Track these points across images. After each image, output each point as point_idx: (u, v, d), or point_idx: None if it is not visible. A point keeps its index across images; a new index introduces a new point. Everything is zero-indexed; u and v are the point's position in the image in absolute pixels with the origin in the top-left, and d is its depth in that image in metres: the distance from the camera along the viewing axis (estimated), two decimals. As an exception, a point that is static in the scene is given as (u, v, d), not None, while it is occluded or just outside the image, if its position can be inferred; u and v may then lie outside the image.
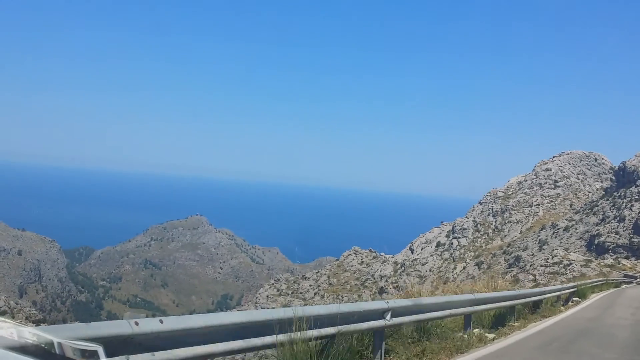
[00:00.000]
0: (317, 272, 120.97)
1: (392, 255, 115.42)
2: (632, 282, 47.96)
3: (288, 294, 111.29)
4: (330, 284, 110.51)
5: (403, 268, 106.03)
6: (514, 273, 62.82)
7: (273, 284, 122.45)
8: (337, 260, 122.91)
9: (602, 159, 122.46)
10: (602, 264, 59.69)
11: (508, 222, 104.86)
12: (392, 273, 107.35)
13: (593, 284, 30.69)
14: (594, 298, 24.46)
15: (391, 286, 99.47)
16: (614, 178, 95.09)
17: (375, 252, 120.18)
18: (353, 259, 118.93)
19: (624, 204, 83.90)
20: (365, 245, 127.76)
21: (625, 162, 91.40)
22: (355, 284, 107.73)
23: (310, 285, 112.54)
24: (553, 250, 65.79)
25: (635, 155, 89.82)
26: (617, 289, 35.64)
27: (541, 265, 59.61)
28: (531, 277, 57.25)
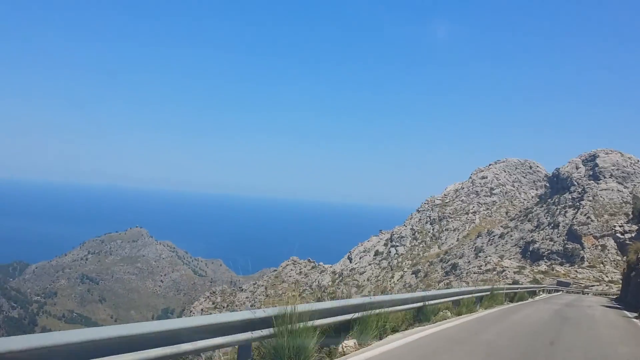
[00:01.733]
0: (254, 284, 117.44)
1: (330, 265, 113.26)
2: (561, 290, 46.51)
3: (223, 307, 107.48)
4: (267, 296, 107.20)
5: (341, 278, 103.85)
6: (449, 281, 61.48)
7: (209, 296, 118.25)
8: (275, 270, 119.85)
9: (537, 166, 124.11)
10: (535, 270, 58.92)
11: (445, 229, 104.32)
12: (330, 283, 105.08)
13: (487, 292, 21.03)
14: (451, 322, 13.30)
15: (328, 297, 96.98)
16: (548, 185, 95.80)
17: (314, 262, 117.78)
18: (292, 269, 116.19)
19: (558, 210, 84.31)
20: (308, 255, 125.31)
21: (559, 168, 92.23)
22: (293, 295, 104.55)
23: (247, 298, 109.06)
24: (487, 257, 64.70)
25: (569, 162, 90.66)
26: (523, 302, 26.88)
27: (474, 272, 58.38)
28: (464, 284, 55.89)
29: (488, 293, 20.72)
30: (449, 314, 15.49)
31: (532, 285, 40.35)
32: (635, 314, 21.05)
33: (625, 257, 40.60)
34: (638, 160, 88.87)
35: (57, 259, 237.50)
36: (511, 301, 25.63)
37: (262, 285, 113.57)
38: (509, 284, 50.48)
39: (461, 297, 16.92)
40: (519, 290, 28.83)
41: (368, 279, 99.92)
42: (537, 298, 32.78)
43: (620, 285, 44.19)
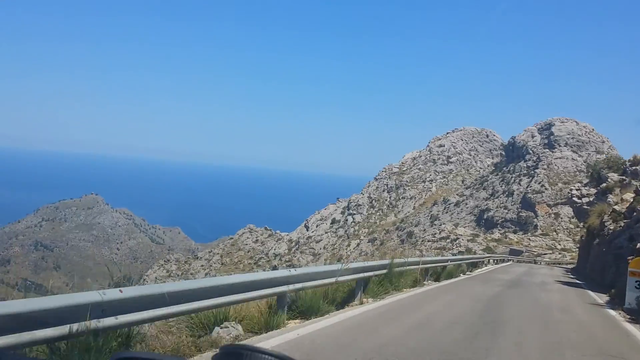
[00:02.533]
0: (209, 252, 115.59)
1: (287, 233, 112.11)
2: (511, 260, 44.21)
3: (178, 275, 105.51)
4: (222, 264, 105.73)
5: (297, 246, 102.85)
6: (403, 249, 60.93)
7: (162, 264, 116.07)
8: (232, 238, 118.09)
9: (494, 135, 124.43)
10: (489, 238, 58.76)
11: (402, 198, 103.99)
12: (286, 251, 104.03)
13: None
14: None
15: (284, 265, 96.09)
16: (504, 153, 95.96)
17: (270, 230, 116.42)
18: (248, 237, 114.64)
19: (513, 178, 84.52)
20: (265, 223, 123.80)
21: (514, 137, 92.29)
22: (249, 263, 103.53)
23: (202, 266, 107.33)
24: (441, 225, 64.27)
25: (525, 130, 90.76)
26: (453, 279, 20.09)
27: (429, 241, 57.86)
28: (418, 252, 55.35)
29: (384, 271, 12.86)
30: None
31: (474, 256, 33.42)
32: (607, 298, 16.16)
33: (583, 223, 37.66)
34: (593, 129, 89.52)
35: (10, 226, 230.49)
36: (437, 280, 18.29)
37: (218, 254, 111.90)
38: (457, 253, 49.99)
39: (324, 280, 9.76)
40: (449, 263, 21.52)
41: (324, 247, 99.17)
42: (478, 271, 26.52)
43: (577, 255, 42.00)
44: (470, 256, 31.88)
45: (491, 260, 37.00)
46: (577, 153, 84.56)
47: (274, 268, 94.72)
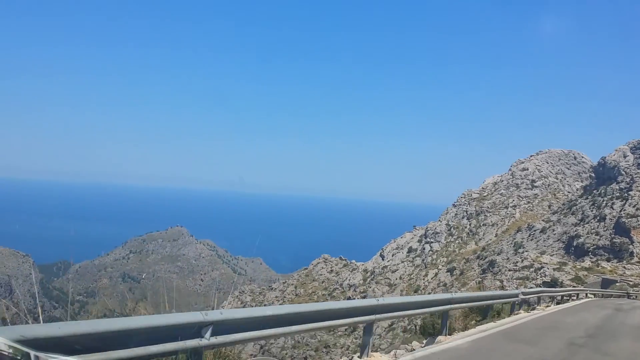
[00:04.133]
0: (283, 283, 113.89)
1: (362, 263, 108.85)
2: (592, 296, 34.56)
3: (252, 307, 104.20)
4: (297, 295, 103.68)
5: (372, 276, 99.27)
6: (479, 279, 56.31)
7: (238, 296, 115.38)
8: (306, 269, 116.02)
9: (582, 157, 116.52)
10: (578, 266, 53.12)
11: (483, 224, 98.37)
12: (361, 281, 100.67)
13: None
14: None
15: (359, 296, 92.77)
16: (593, 175, 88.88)
17: (345, 260, 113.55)
18: (322, 268, 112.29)
19: (605, 202, 77.68)
20: (343, 253, 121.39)
21: (605, 157, 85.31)
22: (323, 294, 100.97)
23: (276, 297, 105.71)
24: (523, 253, 59.10)
25: (616, 150, 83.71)
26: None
27: (509, 270, 52.99)
28: (498, 283, 50.68)
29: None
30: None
31: (531, 290, 23.12)
32: None
33: None
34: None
35: (100, 259, 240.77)
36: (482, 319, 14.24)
37: (292, 284, 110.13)
38: (542, 284, 45.10)
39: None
40: (494, 301, 15.09)
41: (400, 277, 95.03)
42: (531, 314, 18.20)
43: None
44: (536, 290, 23.15)
45: (571, 296, 29.59)
46: (676, 173, 76.80)
47: (348, 299, 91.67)
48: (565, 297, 28.55)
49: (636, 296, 40.06)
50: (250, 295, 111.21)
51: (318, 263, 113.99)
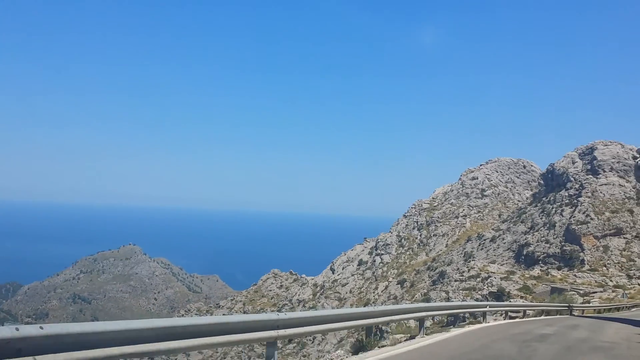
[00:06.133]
0: (231, 300, 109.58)
1: (312, 277, 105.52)
2: (519, 313, 27.49)
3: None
4: (245, 312, 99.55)
5: (322, 290, 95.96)
6: (430, 290, 53.59)
7: (183, 315, 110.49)
8: (255, 285, 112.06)
9: (531, 165, 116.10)
10: (526, 275, 50.83)
11: (434, 235, 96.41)
12: (311, 296, 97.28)
13: None
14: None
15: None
16: (542, 182, 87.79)
17: (296, 275, 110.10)
18: (272, 283, 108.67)
19: (554, 209, 76.39)
20: (296, 267, 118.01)
21: (553, 164, 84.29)
22: (272, 311, 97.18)
23: (224, 315, 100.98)
24: (470, 262, 56.69)
25: (564, 156, 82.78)
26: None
27: (456, 280, 50.35)
28: (444, 294, 47.97)
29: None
30: None
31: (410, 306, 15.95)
32: None
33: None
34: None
35: (49, 279, 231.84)
36: None
37: (241, 301, 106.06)
38: (487, 294, 42.45)
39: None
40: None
41: (350, 291, 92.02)
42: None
43: None
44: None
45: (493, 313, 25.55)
46: (624, 178, 76.01)
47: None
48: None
49: (583, 311, 33.02)
50: (196, 314, 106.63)
51: (267, 278, 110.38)
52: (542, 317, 27.13)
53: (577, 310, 32.49)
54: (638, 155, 21.38)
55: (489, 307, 19.34)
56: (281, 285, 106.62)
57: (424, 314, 14.00)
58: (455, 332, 16.20)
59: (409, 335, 14.23)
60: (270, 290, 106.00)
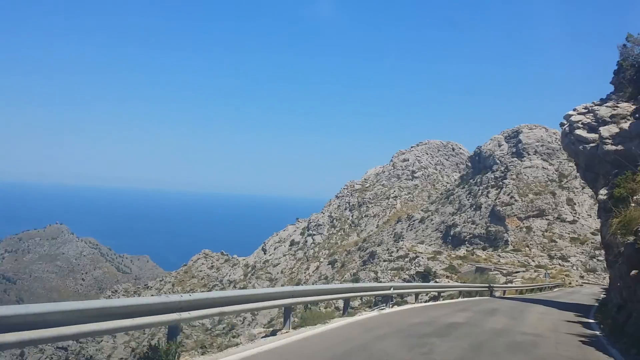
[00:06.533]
0: (160, 280, 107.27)
1: (244, 258, 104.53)
2: (431, 294, 29.31)
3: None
4: (174, 293, 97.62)
5: (253, 271, 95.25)
6: (355, 271, 53.96)
7: (109, 296, 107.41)
8: (185, 265, 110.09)
9: (460, 148, 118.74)
10: (453, 255, 51.90)
11: (365, 216, 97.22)
12: (242, 277, 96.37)
13: None
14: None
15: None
16: (470, 164, 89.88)
17: (227, 255, 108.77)
18: (203, 264, 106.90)
19: (480, 191, 78.44)
20: (229, 248, 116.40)
21: (480, 146, 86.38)
22: (202, 292, 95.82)
23: (153, 296, 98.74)
24: (399, 243, 57.42)
25: (491, 139, 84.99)
26: None
27: (384, 260, 50.80)
28: (372, 274, 48.32)
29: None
30: None
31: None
32: None
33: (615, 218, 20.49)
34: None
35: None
36: None
37: (170, 282, 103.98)
38: (415, 274, 42.99)
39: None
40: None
41: (282, 271, 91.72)
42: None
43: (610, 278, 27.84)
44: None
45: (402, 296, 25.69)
46: (547, 161, 78.81)
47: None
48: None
49: (504, 291, 31.95)
50: (124, 295, 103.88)
51: (198, 259, 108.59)
52: (460, 300, 24.71)
53: (498, 290, 31.20)
54: (565, 121, 21.06)
55: (393, 289, 17.05)
56: (212, 266, 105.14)
57: (308, 298, 11.93)
58: (340, 322, 12.54)
59: (270, 330, 11.53)
60: (201, 271, 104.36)
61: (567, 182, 76.38)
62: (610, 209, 15.49)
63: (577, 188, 75.51)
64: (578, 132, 22.30)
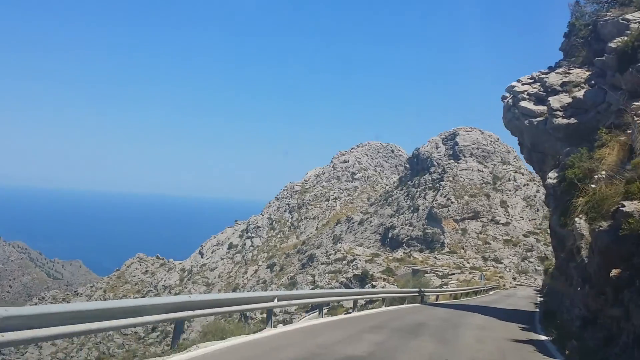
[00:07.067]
0: (91, 287, 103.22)
1: (180, 262, 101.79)
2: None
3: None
4: (105, 299, 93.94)
5: (190, 275, 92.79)
6: (293, 274, 52.89)
7: (36, 303, 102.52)
8: (118, 270, 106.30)
9: (399, 150, 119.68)
10: (390, 257, 51.61)
11: (305, 218, 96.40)
12: (177, 282, 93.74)
13: None
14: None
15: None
16: (408, 166, 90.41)
17: (163, 259, 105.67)
18: (137, 268, 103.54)
19: (418, 192, 78.82)
20: (165, 251, 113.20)
21: (418, 148, 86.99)
22: (135, 298, 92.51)
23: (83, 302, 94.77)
24: (336, 245, 56.80)
25: (429, 141, 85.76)
26: None
27: (322, 263, 49.99)
28: (310, 278, 47.41)
29: None
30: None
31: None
32: None
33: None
34: (498, 139, 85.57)
35: None
36: None
37: (101, 288, 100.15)
38: (352, 277, 42.34)
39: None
40: None
41: (219, 276, 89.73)
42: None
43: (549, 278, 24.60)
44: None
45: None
46: (482, 164, 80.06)
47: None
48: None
49: (437, 296, 28.42)
50: (52, 302, 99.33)
51: (132, 263, 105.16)
52: (382, 309, 19.82)
53: (430, 295, 27.47)
54: (508, 94, 19.01)
55: (277, 299, 12.09)
56: (146, 271, 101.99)
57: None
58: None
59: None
60: (135, 276, 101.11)
61: (500, 184, 77.78)
62: (561, 195, 13.28)
63: (510, 190, 77.03)
64: (523, 104, 19.30)
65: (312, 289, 43.08)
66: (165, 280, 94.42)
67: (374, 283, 38.64)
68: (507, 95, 20.76)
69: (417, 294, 24.85)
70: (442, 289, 31.07)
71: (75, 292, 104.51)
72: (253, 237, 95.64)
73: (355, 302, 19.20)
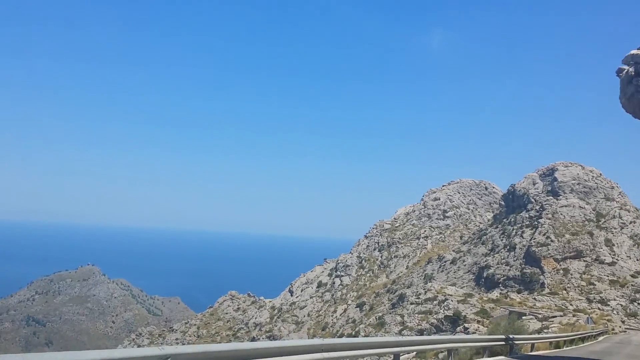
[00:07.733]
0: (185, 323, 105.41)
1: (270, 300, 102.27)
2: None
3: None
4: (198, 336, 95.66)
5: (279, 313, 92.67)
6: (381, 314, 51.14)
7: (134, 339, 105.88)
8: (211, 307, 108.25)
9: (493, 187, 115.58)
10: (485, 298, 48.84)
11: (395, 256, 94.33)
12: (268, 320, 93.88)
13: None
14: None
15: (264, 335, 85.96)
16: (503, 203, 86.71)
17: (254, 297, 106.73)
18: (229, 305, 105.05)
19: (514, 230, 75.11)
20: (258, 288, 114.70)
21: (514, 184, 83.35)
22: (227, 335, 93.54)
23: (177, 339, 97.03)
24: (427, 284, 54.59)
25: (525, 177, 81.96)
26: None
27: (412, 303, 48.04)
28: (399, 318, 45.63)
29: None
30: None
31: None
32: None
33: None
34: (600, 174, 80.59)
35: (2, 301, 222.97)
36: None
37: (195, 325, 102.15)
38: (443, 318, 40.22)
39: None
40: None
41: (309, 314, 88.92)
42: None
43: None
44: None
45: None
46: (584, 200, 75.39)
47: (253, 339, 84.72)
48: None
49: (533, 345, 22.27)
50: (148, 338, 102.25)
51: (224, 301, 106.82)
52: None
53: (524, 343, 21.52)
54: (626, 66, 15.38)
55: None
56: (238, 308, 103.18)
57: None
58: None
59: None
60: (227, 314, 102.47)
61: (605, 222, 72.90)
62: None
63: (615, 228, 71.96)
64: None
65: (400, 330, 41.35)
66: (255, 318, 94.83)
67: (466, 325, 36.44)
68: (625, 67, 16.93)
69: (503, 342, 18.73)
70: (540, 336, 25.24)
71: (171, 328, 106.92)
72: (342, 276, 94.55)
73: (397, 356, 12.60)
